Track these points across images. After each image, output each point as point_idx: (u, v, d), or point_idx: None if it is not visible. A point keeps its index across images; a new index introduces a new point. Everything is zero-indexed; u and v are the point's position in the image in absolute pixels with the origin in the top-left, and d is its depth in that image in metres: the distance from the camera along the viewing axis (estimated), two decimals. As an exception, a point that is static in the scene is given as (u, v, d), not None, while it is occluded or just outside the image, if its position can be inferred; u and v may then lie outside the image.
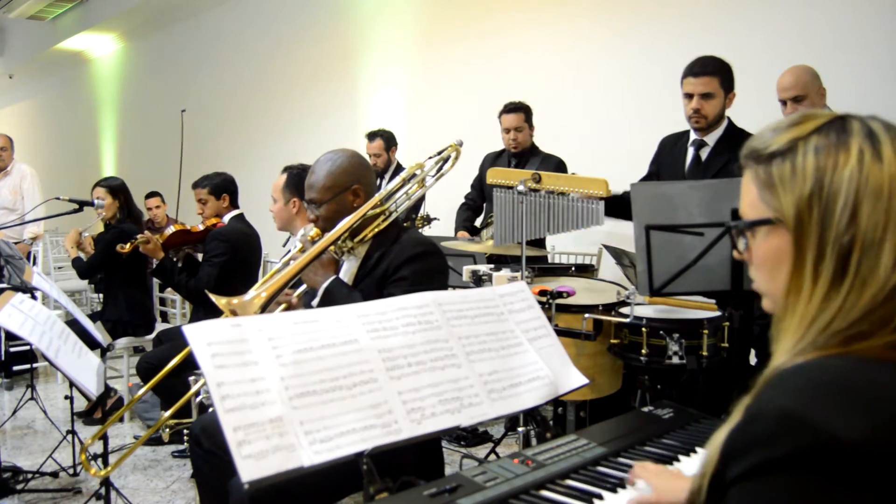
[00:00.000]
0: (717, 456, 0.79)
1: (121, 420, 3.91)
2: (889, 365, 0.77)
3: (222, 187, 3.67)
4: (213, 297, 1.93)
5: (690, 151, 2.78)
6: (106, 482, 2.53)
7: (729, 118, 2.74)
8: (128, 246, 3.46)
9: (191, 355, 1.21)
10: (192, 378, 2.24)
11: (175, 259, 3.67)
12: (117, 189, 4.12)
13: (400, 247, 2.07)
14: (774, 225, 0.84)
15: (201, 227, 3.69)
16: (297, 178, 2.84)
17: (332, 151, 2.17)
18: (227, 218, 3.68)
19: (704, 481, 0.81)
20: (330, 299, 2.00)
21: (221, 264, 3.47)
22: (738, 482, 0.74)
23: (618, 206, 2.76)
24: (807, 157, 0.81)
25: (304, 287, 2.19)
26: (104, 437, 2.53)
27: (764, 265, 0.87)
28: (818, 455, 0.70)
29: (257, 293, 1.95)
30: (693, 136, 2.78)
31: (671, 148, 2.89)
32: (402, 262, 2.03)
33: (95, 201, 3.99)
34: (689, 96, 2.69)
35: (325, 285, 2.04)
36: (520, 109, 3.81)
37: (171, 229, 3.69)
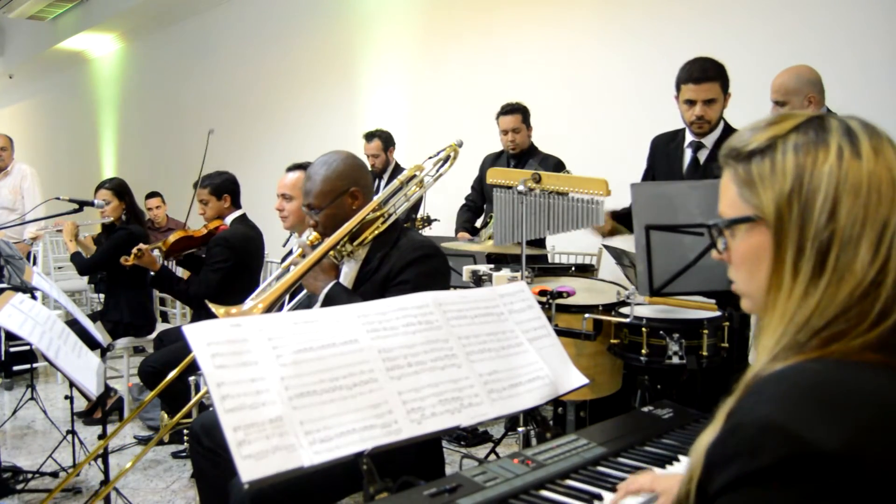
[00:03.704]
0: (702, 464, 0.79)
1: (119, 420, 3.91)
2: (866, 366, 0.77)
3: (224, 188, 3.65)
4: (212, 307, 1.93)
5: (688, 153, 2.77)
6: (106, 482, 2.53)
7: (724, 119, 2.73)
8: (131, 258, 3.46)
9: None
10: (192, 379, 2.24)
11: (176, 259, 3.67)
12: (123, 191, 4.12)
13: (400, 250, 2.06)
14: (754, 223, 0.84)
15: (204, 231, 3.68)
16: None
17: (327, 154, 2.16)
18: (229, 219, 3.68)
19: (692, 486, 0.81)
20: (331, 304, 1.99)
21: (223, 270, 3.46)
22: (723, 494, 0.74)
23: (625, 221, 2.77)
24: (786, 154, 0.82)
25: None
26: (104, 437, 2.53)
27: (744, 264, 0.88)
28: (800, 464, 0.70)
29: (255, 304, 1.95)
30: (689, 137, 2.77)
31: (665, 148, 2.87)
32: (403, 266, 2.02)
33: (96, 202, 3.99)
34: (690, 102, 2.64)
35: (325, 290, 2.04)
36: (517, 111, 3.81)
37: (172, 237, 3.69)
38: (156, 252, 3.68)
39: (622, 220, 2.78)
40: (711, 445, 0.78)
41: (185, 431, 2.21)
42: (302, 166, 2.90)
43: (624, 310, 2.42)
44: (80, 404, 3.82)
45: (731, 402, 0.80)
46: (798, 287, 0.80)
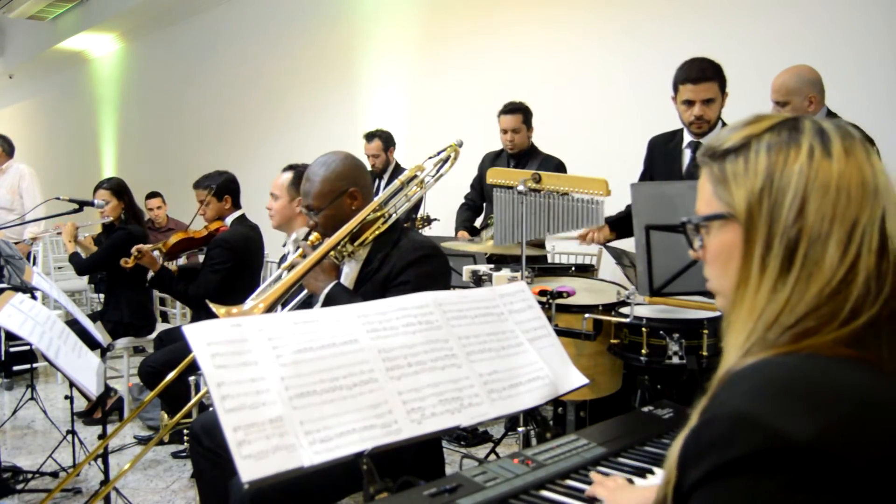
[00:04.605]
0: (676, 462, 0.79)
1: (119, 420, 3.91)
2: (839, 361, 0.77)
3: (224, 188, 3.65)
4: (213, 307, 1.93)
5: (687, 153, 2.77)
6: (106, 482, 2.53)
7: (722, 119, 2.73)
8: (131, 260, 3.47)
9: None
10: (192, 379, 2.24)
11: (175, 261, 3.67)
12: (121, 190, 4.13)
13: (401, 250, 2.06)
14: (727, 220, 0.86)
15: (204, 232, 3.68)
16: (302, 176, 2.83)
17: (326, 155, 2.16)
18: (229, 220, 3.68)
19: (669, 489, 0.80)
20: (332, 304, 1.99)
21: (223, 271, 3.46)
22: (697, 488, 0.74)
23: (623, 226, 2.77)
24: (759, 153, 0.84)
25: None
26: (104, 437, 2.53)
27: (717, 260, 0.89)
28: (773, 455, 0.70)
29: (255, 304, 1.95)
30: (688, 137, 2.77)
31: (663, 148, 2.87)
32: (404, 266, 2.02)
33: (95, 202, 3.99)
34: (688, 103, 2.64)
35: (326, 291, 2.04)
36: (518, 111, 3.80)
37: (173, 238, 3.69)
38: (156, 252, 3.68)
39: (615, 225, 2.79)
40: (685, 441, 0.78)
41: (185, 431, 2.21)
42: (295, 167, 2.91)
43: (624, 310, 2.42)
44: (80, 404, 3.82)
45: (704, 400, 0.80)
46: (766, 282, 0.81)
